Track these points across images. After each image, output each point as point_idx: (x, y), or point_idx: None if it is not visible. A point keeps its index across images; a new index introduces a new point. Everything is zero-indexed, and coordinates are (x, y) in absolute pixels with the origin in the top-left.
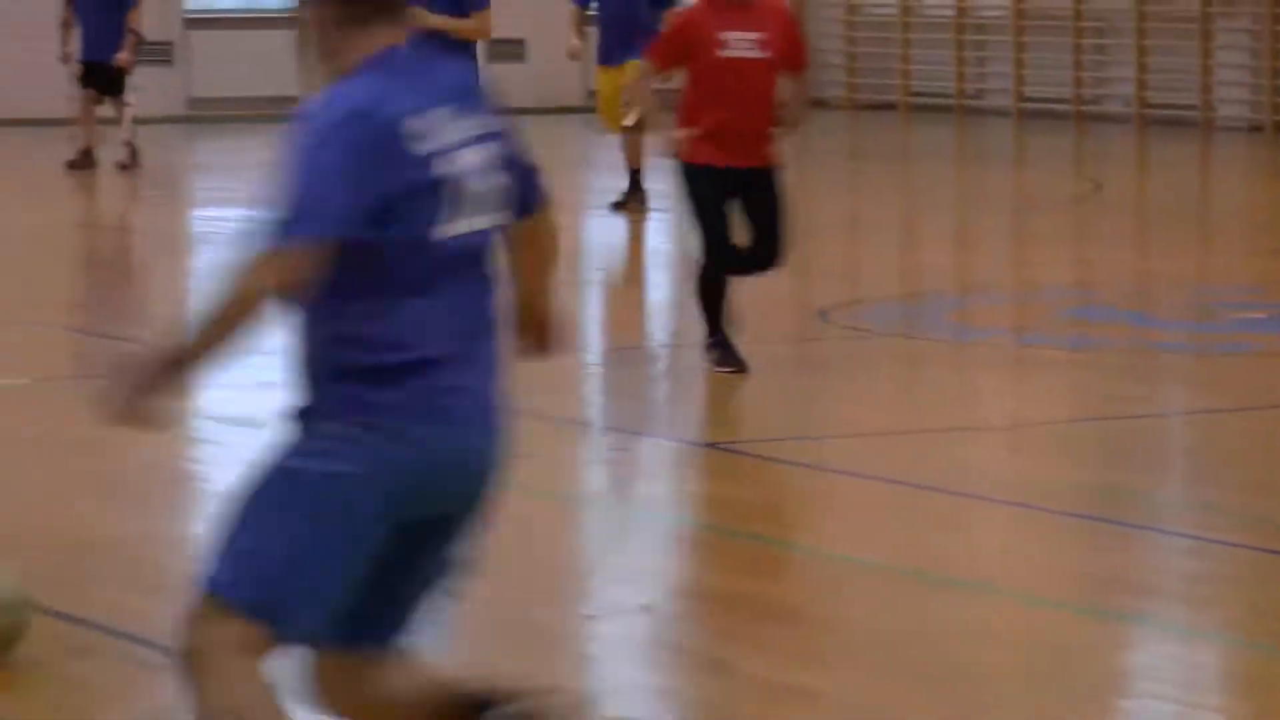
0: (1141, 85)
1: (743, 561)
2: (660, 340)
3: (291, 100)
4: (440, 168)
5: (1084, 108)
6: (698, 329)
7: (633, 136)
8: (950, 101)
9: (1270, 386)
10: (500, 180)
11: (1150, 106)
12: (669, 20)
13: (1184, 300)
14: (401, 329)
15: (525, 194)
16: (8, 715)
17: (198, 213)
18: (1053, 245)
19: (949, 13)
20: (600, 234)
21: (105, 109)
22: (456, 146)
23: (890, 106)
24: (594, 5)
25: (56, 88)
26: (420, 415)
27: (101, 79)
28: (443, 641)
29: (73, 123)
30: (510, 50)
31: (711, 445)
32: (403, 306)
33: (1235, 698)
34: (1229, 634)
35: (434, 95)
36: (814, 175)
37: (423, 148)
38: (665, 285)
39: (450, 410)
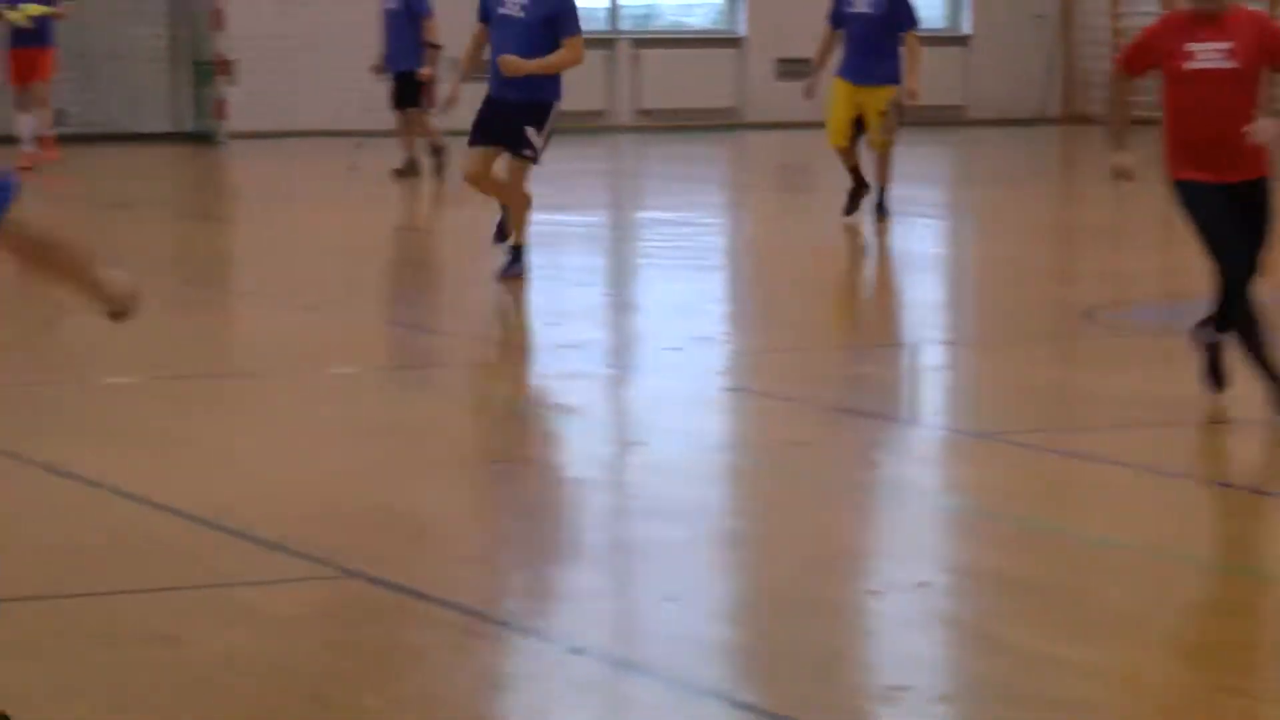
0: None
1: (1008, 542)
2: (927, 336)
3: (595, 113)
4: None
5: None
6: (962, 326)
7: (847, 151)
8: None
9: None
10: None
11: None
12: (1142, 30)
13: None
14: None
15: None
16: (346, 672)
17: None
18: None
19: None
20: (868, 239)
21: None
22: None
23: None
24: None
25: (381, 99)
26: None
27: (408, 91)
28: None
29: (395, 134)
30: (798, 69)
31: (978, 434)
32: None
33: None
34: None
35: None
36: (1080, 186)
37: None
38: (934, 286)
39: None
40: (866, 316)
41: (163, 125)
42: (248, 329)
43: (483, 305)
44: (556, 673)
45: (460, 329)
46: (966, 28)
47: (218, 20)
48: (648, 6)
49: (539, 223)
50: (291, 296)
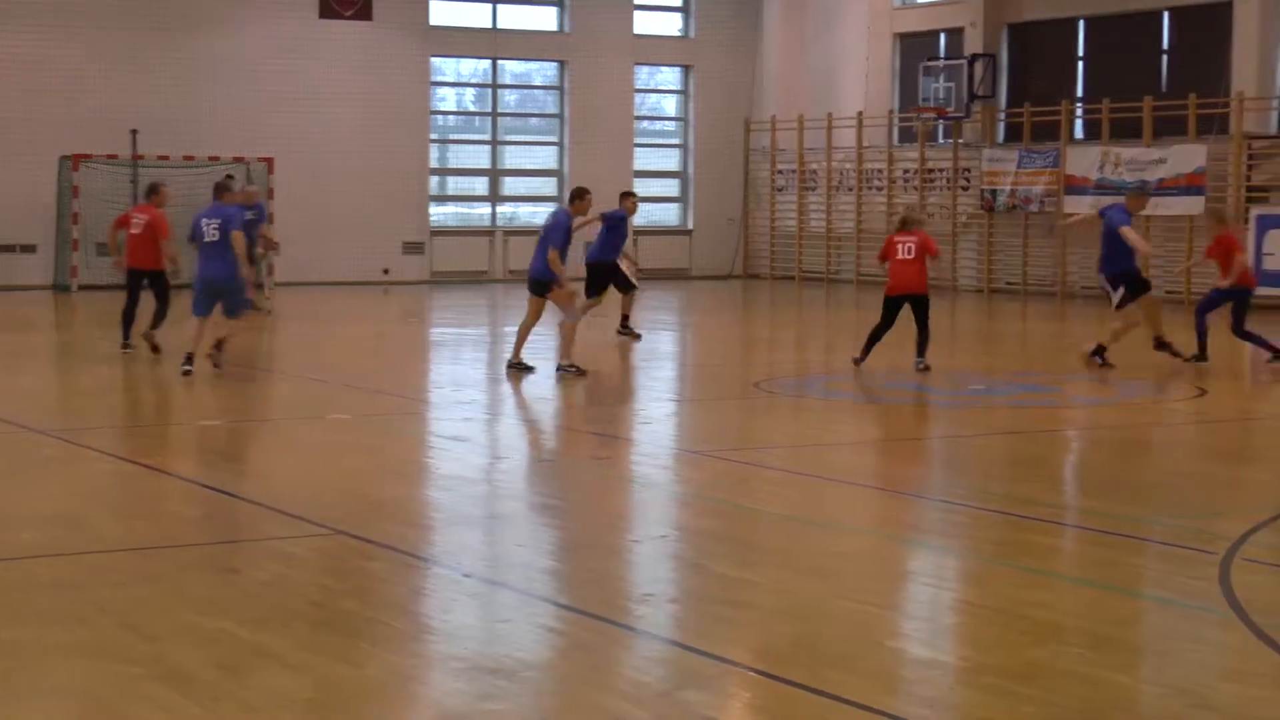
0: None
1: (711, 512)
2: (667, 396)
3: (481, 272)
4: None
5: None
6: (684, 390)
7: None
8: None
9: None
10: None
11: None
12: None
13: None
14: None
15: None
16: (334, 587)
17: (434, 330)
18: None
19: None
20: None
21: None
22: None
23: None
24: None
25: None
26: None
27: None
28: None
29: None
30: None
31: (696, 452)
32: None
33: None
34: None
35: None
36: (752, 312)
37: None
38: (669, 369)
39: None
40: (636, 387)
41: None
42: (279, 391)
43: (416, 377)
44: (455, 587)
45: (400, 392)
46: (690, 225)
47: None
48: (512, 212)
49: (440, 333)
50: (312, 372)
